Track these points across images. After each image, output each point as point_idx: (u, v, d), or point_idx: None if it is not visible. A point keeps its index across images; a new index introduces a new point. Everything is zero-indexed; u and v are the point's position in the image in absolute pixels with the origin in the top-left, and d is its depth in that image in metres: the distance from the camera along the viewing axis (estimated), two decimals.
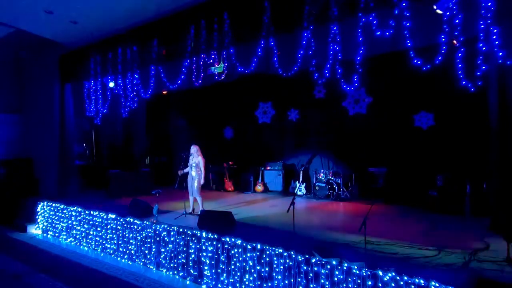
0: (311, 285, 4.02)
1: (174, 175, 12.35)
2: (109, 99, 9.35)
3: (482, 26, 4.56)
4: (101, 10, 7.50)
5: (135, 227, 6.17)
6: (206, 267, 5.05)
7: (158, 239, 5.78)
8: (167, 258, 5.58)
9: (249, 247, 4.60)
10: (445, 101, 8.07)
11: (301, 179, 9.76)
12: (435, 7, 4.81)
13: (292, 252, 4.23)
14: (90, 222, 7.03)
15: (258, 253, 4.52)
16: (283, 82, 8.10)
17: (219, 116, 12.41)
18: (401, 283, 3.46)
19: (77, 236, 7.32)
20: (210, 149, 11.35)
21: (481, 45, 4.62)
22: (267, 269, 4.42)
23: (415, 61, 5.10)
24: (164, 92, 10.19)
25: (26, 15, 7.86)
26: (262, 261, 4.46)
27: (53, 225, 7.99)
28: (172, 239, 5.56)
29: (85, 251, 6.99)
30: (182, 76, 7.50)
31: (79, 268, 6.11)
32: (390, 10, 5.07)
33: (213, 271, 4.95)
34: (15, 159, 11.06)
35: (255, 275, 4.51)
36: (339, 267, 3.86)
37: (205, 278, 5.05)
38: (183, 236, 5.43)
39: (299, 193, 9.50)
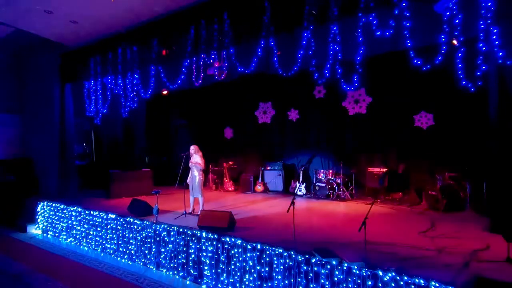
0: (311, 285, 4.02)
1: (174, 175, 12.39)
2: (109, 99, 9.36)
3: (482, 26, 4.56)
4: (101, 10, 7.49)
5: (135, 227, 6.18)
6: (206, 267, 5.05)
7: (158, 239, 5.78)
8: (167, 258, 5.58)
9: (249, 247, 4.61)
10: (445, 101, 8.08)
11: (301, 179, 9.76)
12: (435, 8, 4.81)
13: (292, 252, 4.23)
14: (90, 222, 7.04)
15: (258, 253, 4.52)
16: (283, 82, 8.11)
17: (219, 116, 12.42)
18: (401, 283, 3.46)
19: (77, 236, 7.32)
20: (210, 149, 11.35)
21: (481, 45, 4.62)
22: (267, 269, 4.42)
23: (415, 61, 5.10)
24: (164, 92, 10.21)
25: (26, 15, 7.86)
26: (262, 261, 4.46)
27: (53, 225, 7.99)
28: (172, 239, 5.57)
29: (85, 251, 6.99)
30: (182, 76, 7.51)
31: (79, 268, 6.11)
32: (390, 10, 5.07)
33: (213, 271, 4.95)
34: (15, 159, 11.06)
35: (255, 275, 4.52)
36: (339, 267, 3.86)
37: (205, 278, 5.05)
38: (183, 236, 5.43)
39: (299, 193, 9.50)
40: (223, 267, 4.85)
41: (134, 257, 6.12)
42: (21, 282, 5.55)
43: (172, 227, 5.66)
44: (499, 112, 5.61)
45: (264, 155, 11.26)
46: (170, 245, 5.57)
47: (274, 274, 4.35)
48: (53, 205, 8.10)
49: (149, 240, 5.92)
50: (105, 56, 8.79)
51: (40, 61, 10.93)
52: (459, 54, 4.84)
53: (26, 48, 10.93)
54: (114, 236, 6.50)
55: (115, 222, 6.55)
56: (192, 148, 7.47)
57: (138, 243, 6.07)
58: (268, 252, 4.43)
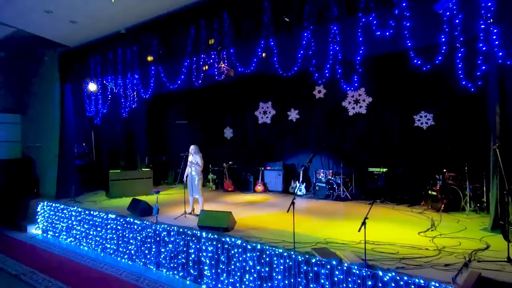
0: (311, 285, 4.02)
1: (174, 175, 12.40)
2: (109, 99, 9.36)
3: (482, 26, 4.57)
4: (101, 10, 7.49)
5: (135, 227, 6.18)
6: (206, 267, 5.05)
7: (158, 239, 5.78)
8: (167, 258, 5.58)
9: (249, 247, 4.61)
10: (445, 101, 8.08)
11: (301, 179, 9.76)
12: (434, 8, 4.81)
13: (292, 252, 4.23)
14: (90, 222, 7.04)
15: (258, 253, 4.52)
16: (283, 82, 8.11)
17: (219, 116, 12.42)
18: (401, 283, 3.46)
19: (77, 236, 7.32)
20: (210, 149, 11.34)
21: (481, 45, 4.62)
22: (267, 269, 4.42)
23: (415, 61, 5.10)
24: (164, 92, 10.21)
25: (26, 15, 7.85)
26: (262, 261, 4.47)
27: (53, 225, 8.00)
28: (172, 239, 5.57)
29: (85, 251, 6.99)
30: (182, 76, 7.51)
31: (79, 268, 6.11)
32: (390, 10, 5.07)
33: (213, 271, 4.95)
34: (15, 159, 11.06)
35: (255, 275, 4.52)
36: (339, 267, 3.86)
37: (205, 278, 5.05)
38: (183, 236, 5.43)
39: (299, 193, 9.50)
40: (223, 267, 4.85)
41: (134, 257, 6.12)
42: (21, 282, 5.56)
43: (172, 227, 5.66)
44: (499, 112, 5.60)
45: (264, 155, 11.25)
46: (170, 245, 5.57)
47: (274, 274, 4.35)
48: (53, 205, 8.11)
49: (149, 240, 5.92)
50: (105, 56, 8.79)
51: (40, 61, 10.92)
52: (459, 54, 4.85)
53: (26, 48, 10.92)
54: (114, 236, 6.50)
55: (115, 222, 6.55)
56: (192, 148, 7.46)
57: (138, 243, 6.07)
58: (268, 252, 4.43)
